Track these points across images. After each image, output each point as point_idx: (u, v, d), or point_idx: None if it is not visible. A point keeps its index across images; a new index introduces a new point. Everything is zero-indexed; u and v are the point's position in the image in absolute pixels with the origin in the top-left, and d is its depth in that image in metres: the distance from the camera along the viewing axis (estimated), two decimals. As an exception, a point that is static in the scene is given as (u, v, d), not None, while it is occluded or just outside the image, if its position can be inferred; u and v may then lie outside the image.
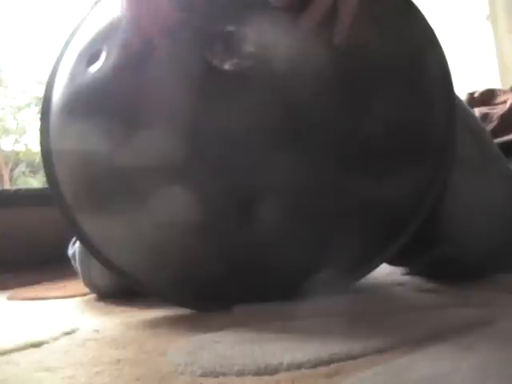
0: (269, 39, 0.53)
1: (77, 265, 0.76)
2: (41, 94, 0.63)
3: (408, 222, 0.56)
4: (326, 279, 0.53)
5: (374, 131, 0.54)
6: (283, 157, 0.52)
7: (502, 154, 0.66)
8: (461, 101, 0.68)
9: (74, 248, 0.78)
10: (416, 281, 0.67)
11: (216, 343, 0.43)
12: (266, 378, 0.35)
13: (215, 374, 0.36)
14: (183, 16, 0.54)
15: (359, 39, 0.54)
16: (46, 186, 0.60)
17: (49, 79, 0.63)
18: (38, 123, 0.61)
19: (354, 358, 0.37)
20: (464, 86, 1.59)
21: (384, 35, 0.56)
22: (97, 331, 0.53)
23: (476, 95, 1.11)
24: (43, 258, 1.14)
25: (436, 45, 0.58)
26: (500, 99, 1.09)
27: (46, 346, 0.48)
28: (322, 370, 0.35)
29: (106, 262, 0.58)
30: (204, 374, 0.36)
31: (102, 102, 0.56)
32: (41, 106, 0.62)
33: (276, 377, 0.35)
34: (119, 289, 0.69)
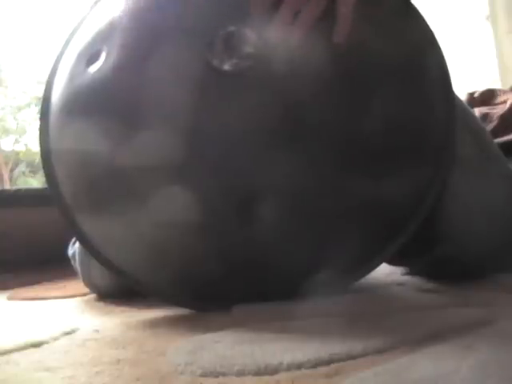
0: (268, 40, 0.53)
1: (77, 265, 0.76)
2: (41, 94, 0.63)
3: (408, 221, 0.56)
4: (325, 279, 0.53)
5: (374, 131, 0.54)
6: (282, 157, 0.52)
7: (502, 154, 0.66)
8: (461, 101, 0.68)
9: (74, 248, 0.78)
10: (416, 281, 0.67)
11: (216, 343, 0.43)
12: (266, 378, 0.35)
13: (215, 374, 0.36)
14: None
15: (359, 39, 0.54)
16: (46, 186, 0.60)
17: (48, 79, 0.63)
18: (38, 123, 0.61)
19: (353, 357, 0.37)
20: (464, 86, 1.59)
21: (383, 35, 0.56)
22: (97, 331, 0.53)
23: (476, 95, 1.11)
24: (43, 257, 1.14)
25: (435, 45, 0.58)
26: (500, 99, 1.09)
27: (45, 345, 0.48)
28: (322, 370, 0.35)
29: (106, 262, 0.58)
30: (204, 374, 0.36)
31: (102, 102, 0.56)
32: (40, 105, 0.62)
33: (276, 377, 0.35)
34: (119, 289, 0.69)
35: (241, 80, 0.53)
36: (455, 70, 0.61)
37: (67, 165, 0.59)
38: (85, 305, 0.73)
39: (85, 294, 0.79)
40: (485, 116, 1.02)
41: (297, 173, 0.53)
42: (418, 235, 0.56)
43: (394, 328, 0.44)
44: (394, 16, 0.58)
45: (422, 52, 0.58)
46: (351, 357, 0.37)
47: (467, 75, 2.01)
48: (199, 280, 0.56)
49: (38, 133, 0.60)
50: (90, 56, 0.58)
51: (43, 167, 0.60)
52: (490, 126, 0.98)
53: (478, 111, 1.03)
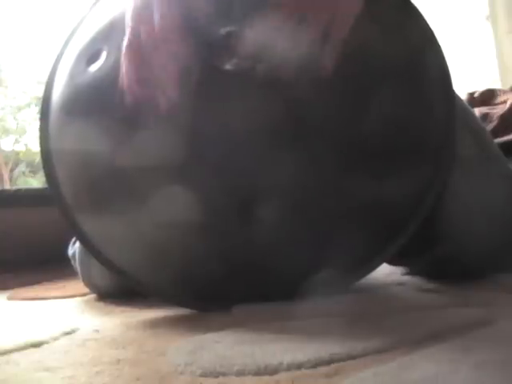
0: (269, 39, 0.53)
1: (77, 265, 0.76)
2: (41, 94, 0.63)
3: (408, 221, 0.56)
4: (325, 279, 0.53)
5: (374, 131, 0.54)
6: (283, 157, 0.52)
7: (502, 154, 0.66)
8: (461, 100, 0.68)
9: (74, 248, 0.78)
10: (416, 281, 0.67)
11: (216, 343, 0.43)
12: (266, 378, 0.35)
13: (215, 374, 0.36)
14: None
15: (359, 39, 0.54)
16: (46, 186, 0.60)
17: (48, 79, 0.63)
18: (38, 123, 0.61)
19: (354, 358, 0.37)
20: (464, 85, 1.59)
21: (383, 35, 0.56)
22: (97, 331, 0.53)
23: (476, 95, 1.11)
24: (43, 257, 1.14)
25: (435, 44, 0.58)
26: (500, 99, 1.09)
27: (45, 345, 0.48)
28: (322, 369, 0.35)
29: (106, 262, 0.58)
30: (204, 374, 0.36)
31: (102, 102, 0.56)
32: (40, 105, 0.62)
33: (276, 377, 0.35)
34: (119, 289, 0.69)
35: (241, 80, 0.53)
36: (455, 70, 0.61)
37: (68, 165, 0.59)
38: (85, 305, 0.73)
39: (85, 294, 0.79)
40: (485, 116, 1.02)
41: (298, 173, 0.53)
42: (418, 235, 0.56)
43: (394, 328, 0.44)
44: (394, 15, 0.58)
45: (422, 51, 0.58)
46: (351, 357, 0.37)
47: (467, 75, 2.01)
48: (200, 280, 0.56)
49: (38, 133, 0.60)
50: (91, 55, 0.58)
51: (43, 167, 0.60)
52: (490, 126, 0.98)
53: (478, 111, 1.02)
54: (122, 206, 0.56)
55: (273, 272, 0.54)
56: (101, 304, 0.71)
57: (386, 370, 0.33)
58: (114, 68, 0.56)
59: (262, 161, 0.53)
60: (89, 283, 0.75)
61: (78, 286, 0.83)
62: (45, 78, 0.63)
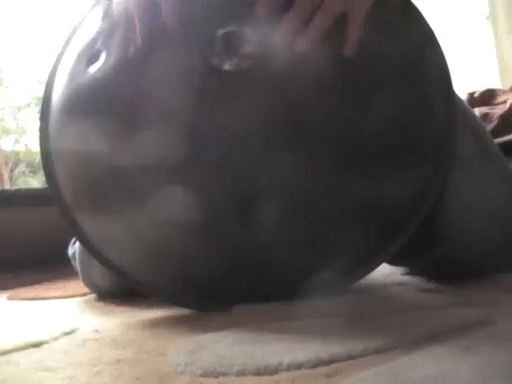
0: (269, 39, 0.53)
1: (77, 265, 0.76)
2: (41, 94, 0.63)
3: (408, 222, 0.56)
4: (325, 279, 0.53)
5: (374, 131, 0.54)
6: (283, 157, 0.52)
7: (502, 154, 0.66)
8: (461, 100, 0.68)
9: (74, 248, 0.78)
10: (416, 281, 0.67)
11: (216, 343, 0.43)
12: (266, 378, 0.35)
13: (215, 374, 0.36)
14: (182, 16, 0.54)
15: (360, 39, 0.54)
16: (46, 186, 0.60)
17: (48, 79, 0.63)
18: (38, 123, 0.61)
19: (354, 358, 0.37)
20: (464, 85, 1.59)
21: (384, 35, 0.56)
22: (97, 331, 0.53)
23: (476, 95, 1.11)
24: (43, 258, 1.14)
25: (436, 45, 0.58)
26: (500, 99, 1.09)
27: (45, 345, 0.48)
28: (322, 370, 0.35)
29: (106, 262, 0.58)
30: (204, 374, 0.36)
31: (102, 102, 0.56)
32: (40, 105, 0.62)
33: (276, 377, 0.35)
34: (119, 289, 0.69)
35: (241, 80, 0.53)
36: (455, 70, 0.61)
37: (67, 165, 0.59)
38: (85, 305, 0.73)
39: (85, 294, 0.79)
40: (485, 116, 1.02)
41: (298, 173, 0.53)
42: (419, 235, 0.56)
43: (394, 328, 0.44)
44: (395, 15, 0.58)
45: (422, 51, 0.58)
46: (351, 357, 0.37)
47: (467, 75, 2.01)
48: (200, 280, 0.56)
49: (38, 132, 0.60)
50: (90, 56, 0.58)
51: (43, 167, 0.60)
52: (490, 126, 0.98)
53: (478, 111, 1.02)
54: (121, 206, 0.56)
55: (273, 272, 0.54)
56: (101, 304, 0.71)
57: (386, 370, 0.33)
58: (114, 68, 0.56)
59: (262, 161, 0.53)
60: (89, 283, 0.75)
61: (78, 285, 0.83)
62: (45, 78, 0.63)
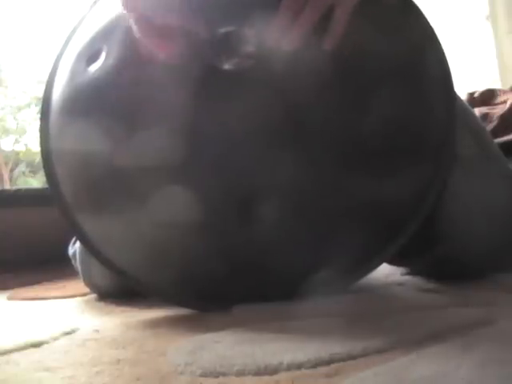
0: (269, 39, 0.53)
1: (77, 264, 0.76)
2: (41, 93, 0.63)
3: (408, 221, 0.56)
4: (325, 279, 0.53)
5: (374, 130, 0.54)
6: (283, 157, 0.52)
7: (502, 154, 0.66)
8: (461, 100, 0.68)
9: (75, 248, 0.78)
10: (416, 281, 0.67)
11: (216, 343, 0.43)
12: (266, 378, 0.35)
13: (215, 374, 0.36)
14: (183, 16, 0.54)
15: (359, 38, 0.54)
16: (46, 185, 0.60)
17: (48, 78, 0.63)
18: (38, 123, 0.61)
19: (354, 358, 0.37)
20: (464, 85, 1.59)
21: (384, 34, 0.56)
22: (97, 331, 0.53)
23: (476, 95, 1.11)
24: (43, 258, 1.14)
25: (436, 43, 0.58)
26: (500, 99, 1.09)
27: (45, 345, 0.48)
28: (322, 369, 0.35)
29: (106, 262, 0.58)
30: (204, 374, 0.36)
31: (102, 102, 0.56)
32: (41, 105, 0.62)
33: (276, 377, 0.35)
34: (119, 289, 0.69)
35: (241, 80, 0.53)
36: (455, 69, 0.61)
37: (68, 164, 0.59)
38: (85, 305, 0.73)
39: (85, 294, 0.79)
40: (485, 116, 1.02)
41: (297, 173, 0.53)
42: (419, 235, 0.56)
43: (394, 328, 0.44)
44: (395, 14, 0.58)
45: (422, 50, 0.58)
46: (351, 357, 0.37)
47: (467, 75, 2.01)
48: (200, 280, 0.56)
49: (38, 132, 0.60)
50: (90, 55, 0.58)
51: (44, 167, 0.60)
52: (490, 126, 0.98)
53: (478, 111, 1.02)
54: (121, 206, 0.56)
55: (273, 272, 0.54)
56: (101, 304, 0.71)
57: (386, 370, 0.33)
58: (114, 67, 0.56)
59: (262, 161, 0.53)
60: (89, 283, 0.75)
61: (78, 285, 0.83)
62: (45, 78, 0.63)
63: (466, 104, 0.71)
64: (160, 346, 0.45)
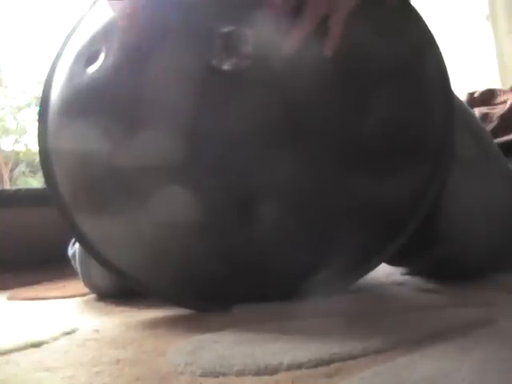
0: (268, 39, 0.53)
1: (77, 265, 0.76)
2: (41, 93, 0.63)
3: (407, 221, 0.56)
4: (325, 279, 0.53)
5: (373, 131, 0.54)
6: (283, 157, 0.52)
7: (502, 154, 0.66)
8: (461, 101, 0.68)
9: (74, 248, 0.78)
10: (416, 281, 0.67)
11: (216, 343, 0.43)
12: (266, 378, 0.35)
13: (215, 374, 0.36)
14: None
15: (358, 39, 0.54)
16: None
17: (47, 79, 0.63)
18: (37, 123, 0.61)
19: (354, 357, 0.37)
20: (464, 86, 1.59)
21: (383, 36, 0.56)
22: (97, 331, 0.53)
23: (476, 95, 1.11)
24: (43, 258, 1.14)
25: (434, 45, 0.58)
26: (500, 99, 1.09)
27: (45, 345, 0.48)
28: (322, 369, 0.35)
29: (105, 263, 0.58)
30: (204, 374, 0.36)
31: (101, 103, 0.56)
32: (39, 105, 0.62)
33: (276, 377, 0.35)
34: (119, 289, 0.69)
35: (240, 80, 0.53)
36: (455, 70, 0.61)
37: (66, 165, 0.59)
38: (85, 305, 0.73)
39: (85, 294, 0.79)
40: (485, 116, 1.02)
41: (297, 173, 0.53)
42: (418, 235, 0.56)
43: (394, 328, 0.44)
44: (394, 16, 0.58)
45: (421, 52, 0.58)
46: (351, 357, 0.37)
47: (467, 75, 2.01)
48: (199, 280, 0.56)
49: (36, 132, 0.60)
50: (89, 56, 0.58)
51: (42, 167, 0.60)
52: (489, 126, 0.98)
53: (477, 111, 1.02)
54: (120, 206, 0.56)
55: (272, 272, 0.54)
56: (101, 304, 0.71)
57: (386, 370, 0.33)
58: (113, 69, 0.56)
59: (261, 161, 0.53)
60: (89, 283, 0.75)
61: (78, 285, 0.83)
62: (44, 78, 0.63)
63: (466, 104, 0.71)
64: (160, 346, 0.45)
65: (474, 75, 2.11)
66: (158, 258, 0.57)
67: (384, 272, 0.72)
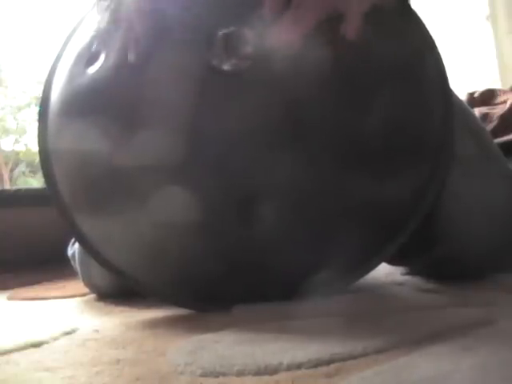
0: (268, 39, 0.53)
1: (77, 265, 0.76)
2: (41, 94, 0.63)
3: (407, 221, 0.56)
4: (325, 279, 0.53)
5: (373, 131, 0.54)
6: (282, 157, 0.52)
7: (502, 154, 0.66)
8: (461, 101, 0.68)
9: (74, 248, 0.78)
10: (416, 281, 0.67)
11: (216, 343, 0.43)
12: (266, 377, 0.35)
13: (215, 374, 0.36)
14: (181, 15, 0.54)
15: (358, 40, 0.54)
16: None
17: (47, 79, 0.63)
18: (37, 123, 0.61)
19: (354, 357, 0.37)
20: (464, 86, 1.59)
21: (383, 36, 0.56)
22: (97, 331, 0.53)
23: (476, 95, 1.11)
24: (43, 258, 1.14)
25: (433, 46, 0.58)
26: (500, 99, 1.09)
27: (45, 345, 0.48)
28: (322, 369, 0.35)
29: (105, 263, 0.58)
30: (204, 374, 0.36)
31: (101, 103, 0.56)
32: (39, 105, 0.62)
33: (276, 377, 0.35)
34: (119, 289, 0.69)
35: (240, 80, 0.53)
36: (455, 70, 0.61)
37: (66, 165, 0.59)
38: (85, 305, 0.73)
39: (84, 294, 0.79)
40: (485, 116, 1.02)
41: (296, 173, 0.53)
42: (418, 235, 0.56)
43: (394, 328, 0.44)
44: (394, 18, 0.58)
45: (420, 53, 0.58)
46: (352, 356, 0.37)
47: (467, 75, 2.01)
48: (199, 280, 0.56)
49: (36, 133, 0.61)
50: (89, 57, 0.58)
51: (42, 167, 0.60)
52: (490, 126, 0.98)
53: (478, 111, 1.02)
54: (120, 206, 0.56)
55: (272, 272, 0.54)
56: (101, 304, 0.71)
57: (386, 370, 0.33)
58: (113, 69, 0.56)
59: (261, 161, 0.53)
60: (89, 283, 0.75)
61: (77, 285, 0.83)
62: (44, 78, 0.63)
63: (466, 104, 0.71)
64: (160, 346, 0.45)
65: (474, 75, 2.11)
66: (157, 258, 0.57)
67: (384, 272, 0.72)
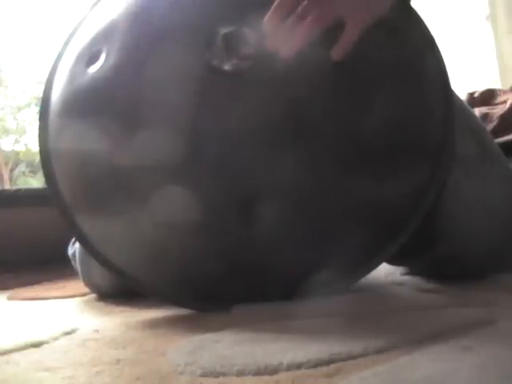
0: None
1: (77, 265, 0.76)
2: (41, 94, 0.63)
3: (407, 221, 0.56)
4: (326, 279, 0.53)
5: (373, 131, 0.54)
6: (283, 156, 0.52)
7: (503, 154, 0.66)
8: (461, 101, 0.68)
9: (74, 248, 0.78)
10: (416, 281, 0.67)
11: (216, 343, 0.43)
12: (266, 378, 0.35)
13: (215, 374, 0.36)
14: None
15: (360, 39, 0.54)
16: (46, 185, 0.60)
17: (48, 79, 0.63)
18: (38, 123, 0.61)
19: (354, 357, 0.37)
20: (464, 86, 1.59)
21: (384, 36, 0.56)
22: (97, 331, 0.53)
23: (476, 95, 1.12)
24: (43, 258, 1.14)
25: (434, 46, 0.58)
26: (500, 99, 1.09)
27: (45, 345, 0.48)
28: (322, 369, 0.35)
29: (105, 262, 0.58)
30: (204, 374, 0.36)
31: (102, 103, 0.56)
32: (40, 105, 0.62)
33: (276, 377, 0.35)
34: (119, 289, 0.69)
35: (240, 80, 0.53)
36: (455, 70, 0.61)
37: (67, 165, 0.59)
38: (85, 305, 0.73)
39: (85, 294, 0.79)
40: (485, 116, 1.02)
41: (297, 173, 0.53)
42: (419, 234, 0.56)
43: (394, 328, 0.44)
44: (396, 18, 0.58)
45: (421, 52, 0.58)
46: (351, 357, 0.37)
47: (467, 75, 2.01)
48: (199, 280, 0.56)
49: (37, 132, 0.60)
50: (90, 56, 0.58)
51: (42, 167, 0.60)
52: (490, 126, 0.99)
53: (478, 111, 1.03)
54: (120, 206, 0.55)
55: (272, 272, 0.54)
56: (101, 304, 0.71)
57: (386, 370, 0.33)
58: (114, 69, 0.56)
59: (262, 160, 0.53)
60: (89, 283, 0.75)
61: (78, 285, 0.83)
62: (45, 78, 0.63)
63: (466, 104, 0.71)
64: (160, 346, 0.45)
65: (474, 75, 2.11)
66: (158, 258, 0.57)
67: (384, 272, 0.72)
